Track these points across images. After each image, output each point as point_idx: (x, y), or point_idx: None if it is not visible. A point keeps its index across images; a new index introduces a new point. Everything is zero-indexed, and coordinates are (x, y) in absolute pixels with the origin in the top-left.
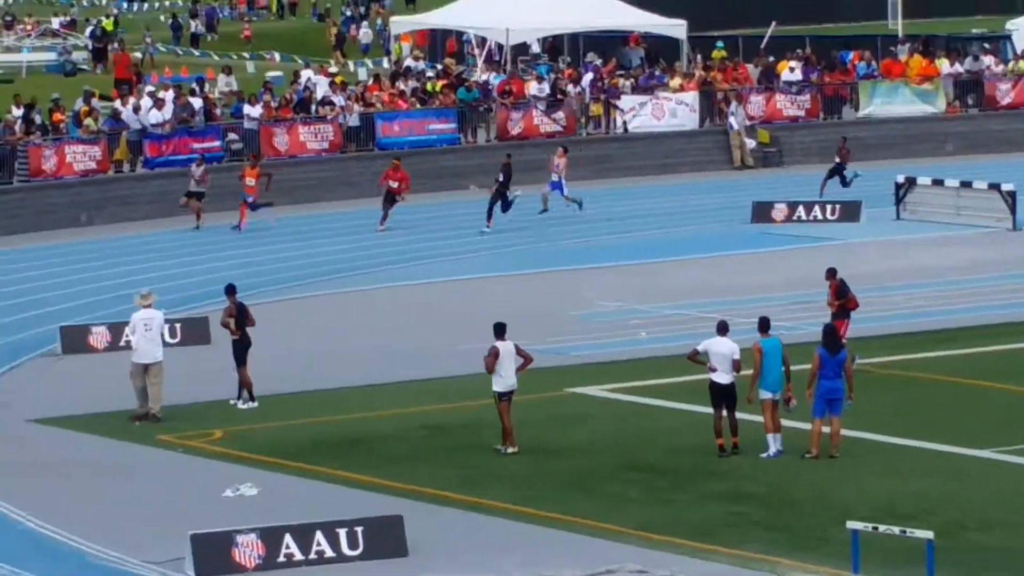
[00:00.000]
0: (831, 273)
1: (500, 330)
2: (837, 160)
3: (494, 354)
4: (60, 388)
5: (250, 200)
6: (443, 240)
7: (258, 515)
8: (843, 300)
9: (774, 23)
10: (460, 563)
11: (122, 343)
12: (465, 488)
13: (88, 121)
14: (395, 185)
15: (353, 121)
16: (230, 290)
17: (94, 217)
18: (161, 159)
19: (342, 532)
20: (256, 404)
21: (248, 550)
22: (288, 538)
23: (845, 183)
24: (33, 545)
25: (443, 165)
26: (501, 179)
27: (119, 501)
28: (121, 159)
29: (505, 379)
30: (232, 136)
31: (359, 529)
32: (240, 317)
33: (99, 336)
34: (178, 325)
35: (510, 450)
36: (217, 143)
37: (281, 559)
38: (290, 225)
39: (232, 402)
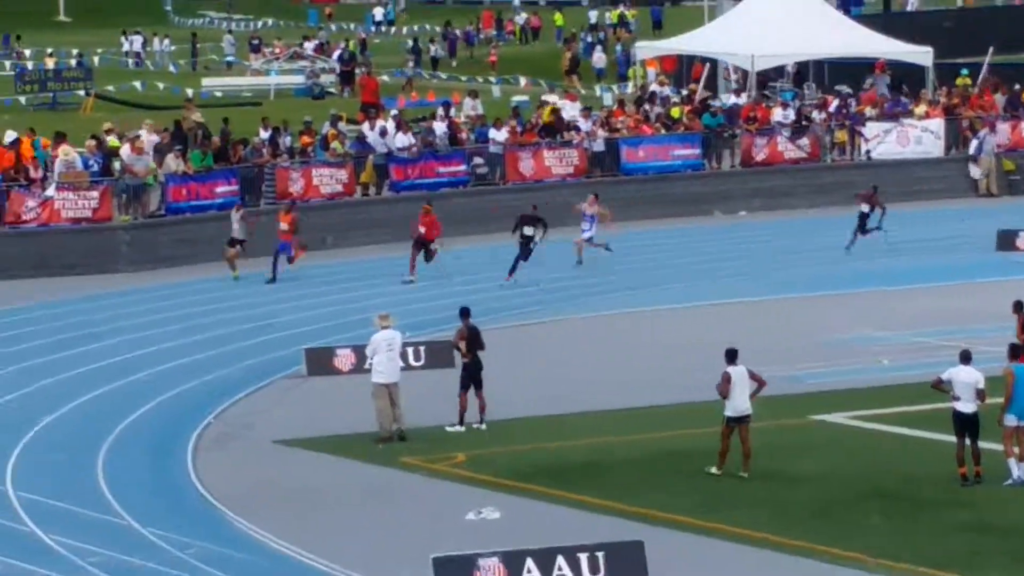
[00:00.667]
0: (1018, 307)
1: (732, 355)
2: None
3: (726, 379)
4: (305, 410)
5: (284, 249)
6: (685, 265)
7: (500, 539)
8: None
9: (991, 50)
10: None
11: (367, 365)
12: (705, 513)
13: (335, 144)
14: (422, 231)
15: (598, 146)
16: (464, 313)
17: (339, 240)
18: (407, 183)
19: (583, 557)
20: (463, 429)
21: (490, 574)
22: (530, 562)
23: None
24: (276, 566)
25: (687, 191)
26: (524, 230)
27: (363, 524)
28: (367, 182)
29: (736, 404)
30: (477, 160)
31: (600, 554)
32: (472, 340)
33: (344, 358)
34: (422, 348)
35: (713, 470)
36: (463, 167)
37: None
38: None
39: (476, 426)
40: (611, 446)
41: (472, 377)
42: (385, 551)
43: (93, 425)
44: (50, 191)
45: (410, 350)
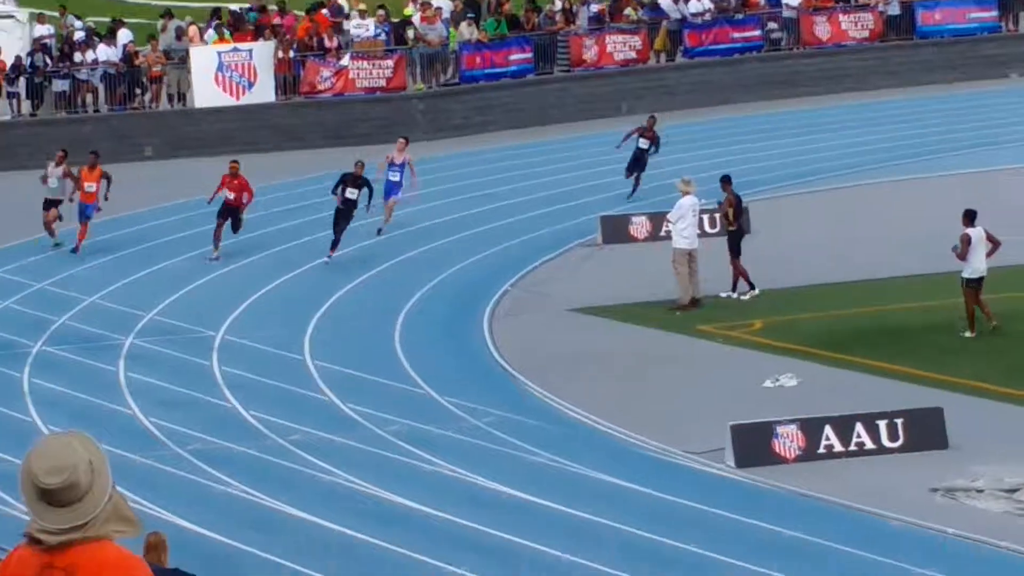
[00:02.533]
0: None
1: (971, 217)
2: None
3: (965, 240)
4: (599, 278)
5: (88, 212)
6: (978, 130)
7: (797, 406)
8: None
9: None
10: (1003, 455)
11: (662, 233)
12: (1008, 381)
13: (628, 11)
14: (231, 196)
15: (893, 9)
16: (726, 180)
17: (634, 106)
18: (701, 48)
19: (882, 424)
20: (757, 291)
21: (788, 441)
22: (828, 429)
23: None
24: (570, 433)
25: (983, 53)
26: (347, 192)
27: (658, 391)
28: (661, 49)
29: (974, 265)
30: (772, 25)
31: (899, 421)
32: (738, 208)
33: (639, 226)
34: (717, 215)
35: (967, 334)
36: (757, 32)
37: (821, 450)
38: (834, 115)
39: (725, 295)
40: (909, 313)
41: (735, 244)
42: (681, 418)
43: (390, 294)
44: (345, 60)
45: (705, 217)
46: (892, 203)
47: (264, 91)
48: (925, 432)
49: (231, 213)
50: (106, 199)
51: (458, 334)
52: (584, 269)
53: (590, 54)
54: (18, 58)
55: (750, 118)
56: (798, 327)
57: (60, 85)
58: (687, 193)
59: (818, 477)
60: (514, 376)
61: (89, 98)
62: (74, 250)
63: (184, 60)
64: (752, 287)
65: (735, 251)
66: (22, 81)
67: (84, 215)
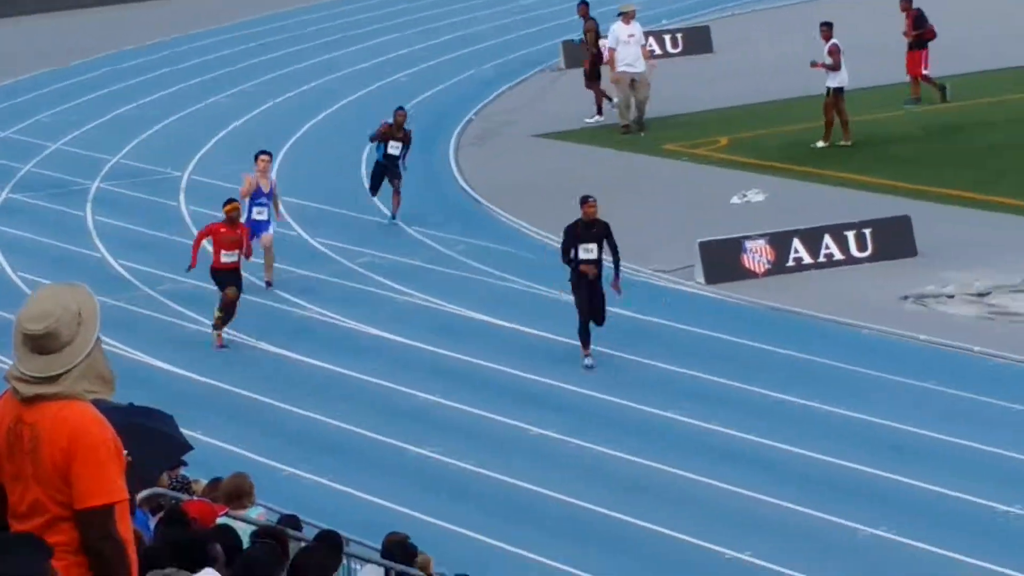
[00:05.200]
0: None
1: (829, 27)
2: None
3: (836, 51)
4: (563, 103)
5: None
6: None
7: (765, 221)
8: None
9: None
10: (971, 261)
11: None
12: (975, 187)
13: None
14: (230, 258)
15: None
16: (583, 4)
17: None
18: None
19: (850, 234)
20: (602, 118)
21: (757, 255)
22: (796, 242)
23: None
24: (539, 258)
25: None
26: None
27: (626, 212)
28: None
29: (843, 75)
30: None
31: (867, 231)
32: (596, 33)
33: (602, 48)
34: (679, 35)
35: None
36: None
37: (790, 263)
38: None
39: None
40: (879, 123)
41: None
42: (649, 238)
43: (353, 127)
44: None
45: (667, 37)
46: (853, 15)
47: None
48: (893, 241)
49: (230, 279)
50: None
51: (424, 164)
52: (547, 95)
53: None
54: None
55: None
56: (763, 142)
57: None
58: (627, 19)
59: (788, 290)
60: (481, 203)
61: None
62: None
63: None
64: (600, 112)
65: (593, 76)
66: None
67: None
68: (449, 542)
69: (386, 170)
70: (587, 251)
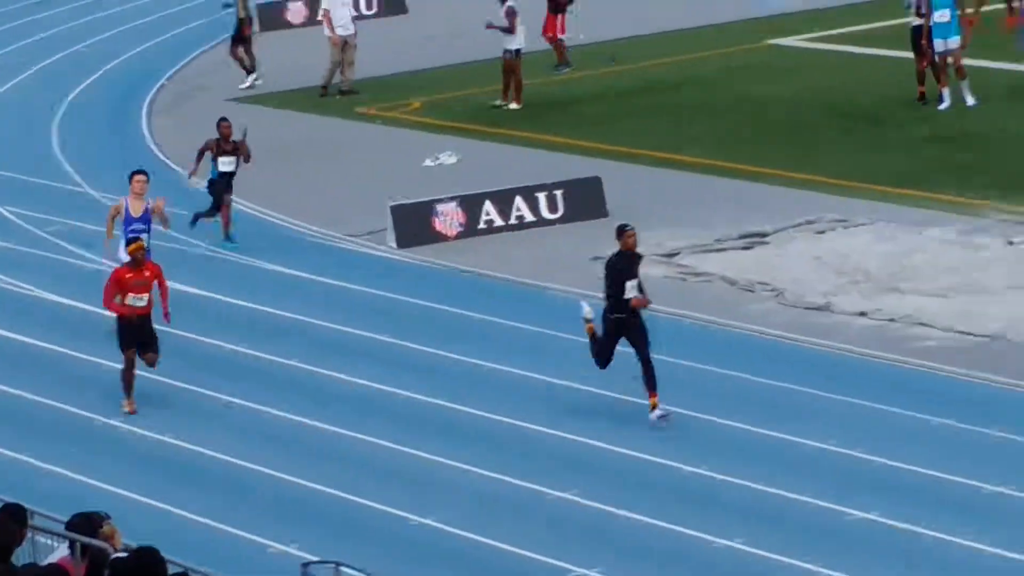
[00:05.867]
0: None
1: None
2: None
3: (512, 12)
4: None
5: None
6: None
7: (458, 183)
8: None
9: None
10: (662, 221)
11: (318, 18)
12: (663, 146)
13: None
14: (138, 302)
15: None
16: None
17: None
18: None
19: (541, 196)
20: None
21: (448, 219)
22: (488, 205)
23: None
24: (236, 225)
25: None
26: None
27: (319, 176)
28: None
29: (520, 37)
30: None
31: (558, 192)
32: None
33: (296, 12)
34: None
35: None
36: None
37: (482, 226)
38: None
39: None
40: (568, 84)
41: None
42: (341, 202)
43: (42, 96)
44: None
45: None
46: None
47: None
48: (584, 202)
49: (140, 331)
50: None
51: (116, 131)
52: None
53: None
54: None
55: None
56: (456, 105)
57: None
58: None
59: (480, 253)
60: (175, 169)
61: None
62: None
63: None
64: (252, 72)
65: (241, 41)
66: None
67: None
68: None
69: (225, 189)
70: (632, 288)
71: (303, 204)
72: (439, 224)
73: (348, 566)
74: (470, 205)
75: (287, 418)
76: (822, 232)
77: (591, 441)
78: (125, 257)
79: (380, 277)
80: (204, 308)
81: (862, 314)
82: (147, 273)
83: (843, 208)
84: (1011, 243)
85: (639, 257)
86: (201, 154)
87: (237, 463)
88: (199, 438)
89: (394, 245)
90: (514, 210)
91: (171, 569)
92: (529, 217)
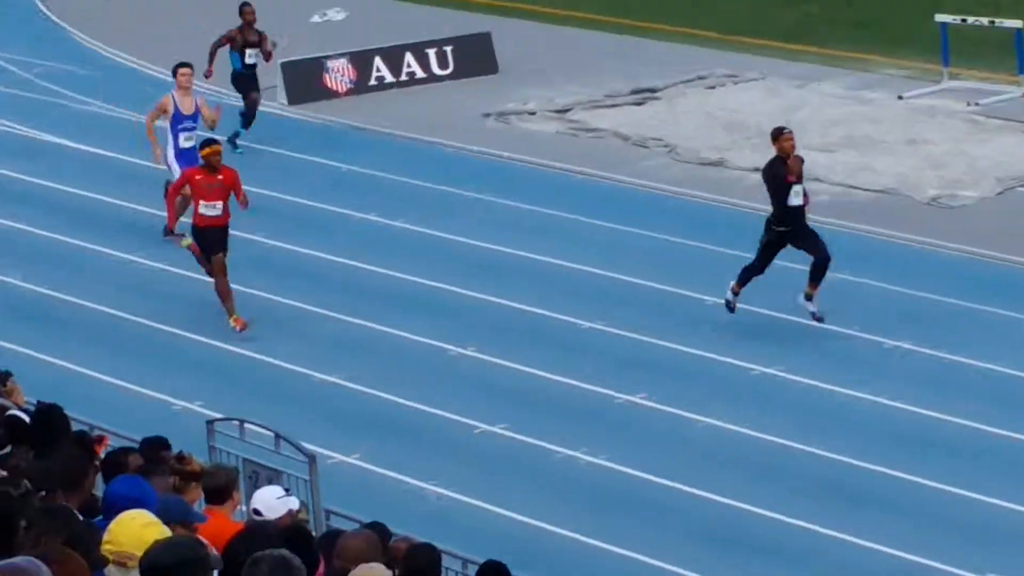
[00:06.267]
0: None
1: None
2: None
3: None
4: None
5: None
6: None
7: (347, 40)
8: None
9: None
10: (552, 77)
11: None
12: (554, 2)
13: None
14: (213, 211)
15: None
16: None
17: None
18: None
19: (431, 52)
20: None
21: (338, 75)
22: (378, 61)
23: None
24: (113, 77)
25: None
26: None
27: (201, 34)
28: None
29: None
30: None
31: (448, 48)
32: None
33: None
34: None
35: None
36: None
37: (372, 82)
38: None
39: None
40: None
41: None
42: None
43: None
44: None
45: None
46: None
47: None
48: (474, 58)
49: (216, 239)
50: None
51: None
52: None
53: None
54: None
55: None
56: None
57: None
58: None
59: (371, 109)
60: (61, 26)
61: None
62: None
63: None
64: None
65: None
66: None
67: None
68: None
69: (248, 81)
70: (796, 195)
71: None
72: (329, 81)
73: (253, 423)
74: (360, 62)
75: (178, 273)
76: (713, 87)
77: (412, 278)
78: (175, 163)
79: (271, 135)
80: (90, 161)
81: (755, 169)
82: (220, 177)
83: (734, 63)
84: (900, 98)
85: (800, 160)
86: (215, 49)
87: (139, 321)
88: (93, 295)
89: (285, 102)
90: (404, 66)
91: (74, 426)
92: (420, 73)
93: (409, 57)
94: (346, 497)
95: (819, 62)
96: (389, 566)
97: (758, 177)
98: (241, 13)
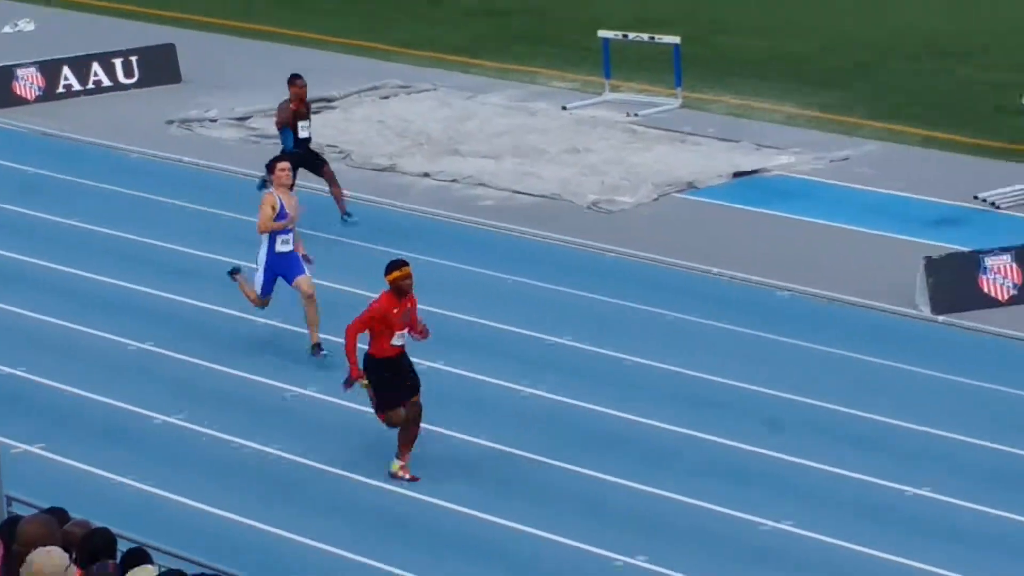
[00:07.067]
0: None
1: None
2: None
3: None
4: None
5: None
6: None
7: (36, 49)
8: None
9: None
10: (234, 86)
11: None
12: (234, 15)
13: None
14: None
15: None
16: None
17: None
18: None
19: (118, 62)
20: None
21: (28, 83)
22: (66, 70)
23: None
24: None
25: None
26: None
27: None
28: None
29: None
30: None
31: (134, 59)
32: None
33: None
34: None
35: None
36: None
37: (61, 91)
38: None
39: None
40: None
41: None
42: None
43: None
44: None
45: None
46: None
47: None
48: (158, 68)
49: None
50: None
51: None
52: None
53: None
54: None
55: None
56: None
57: None
58: None
59: (60, 116)
60: None
61: None
62: None
63: None
64: None
65: None
66: None
67: None
68: None
69: (304, 159)
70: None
71: None
72: (19, 88)
73: None
74: (49, 70)
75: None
76: (386, 97)
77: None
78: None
79: None
80: None
81: (426, 175)
82: (409, 305)
83: (406, 75)
84: (564, 108)
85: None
86: (282, 127)
87: None
88: None
89: None
90: (92, 75)
91: None
92: (106, 82)
93: (96, 66)
94: (30, 486)
95: (489, 75)
96: (66, 549)
97: (429, 183)
98: (291, 85)
